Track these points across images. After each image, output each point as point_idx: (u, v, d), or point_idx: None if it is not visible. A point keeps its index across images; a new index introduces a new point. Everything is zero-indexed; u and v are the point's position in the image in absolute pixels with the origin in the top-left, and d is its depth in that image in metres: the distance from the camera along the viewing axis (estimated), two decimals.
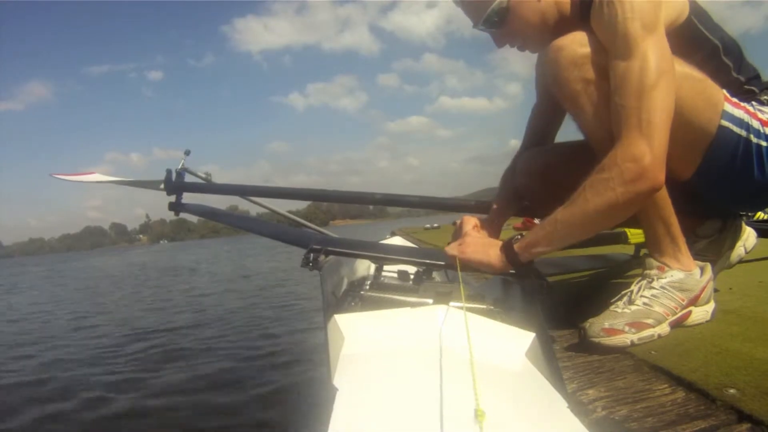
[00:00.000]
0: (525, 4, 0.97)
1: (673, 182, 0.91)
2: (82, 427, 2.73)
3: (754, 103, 0.96)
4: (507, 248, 0.90)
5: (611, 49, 0.84)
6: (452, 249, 0.97)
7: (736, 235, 1.13)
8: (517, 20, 0.98)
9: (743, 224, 1.16)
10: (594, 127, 0.91)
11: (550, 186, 1.14)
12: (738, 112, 0.92)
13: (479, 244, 0.96)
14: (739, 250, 1.14)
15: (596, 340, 0.87)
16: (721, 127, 0.91)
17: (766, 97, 0.98)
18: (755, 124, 0.92)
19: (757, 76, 1.00)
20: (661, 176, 0.80)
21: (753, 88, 0.98)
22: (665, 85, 0.81)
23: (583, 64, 0.87)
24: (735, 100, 0.93)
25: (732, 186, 0.98)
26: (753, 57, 1.02)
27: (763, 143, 0.92)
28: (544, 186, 1.15)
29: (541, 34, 0.99)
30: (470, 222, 1.11)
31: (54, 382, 3.60)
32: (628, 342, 0.87)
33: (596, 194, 0.80)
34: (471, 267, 0.95)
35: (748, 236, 1.16)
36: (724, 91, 0.93)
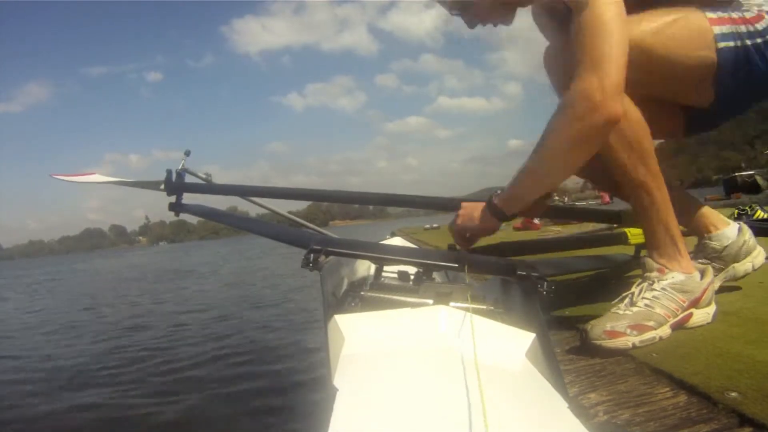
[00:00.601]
0: None
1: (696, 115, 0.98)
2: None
3: (731, 9, 0.96)
4: (490, 206, 0.96)
5: (572, 8, 0.85)
6: (450, 228, 1.04)
7: (747, 248, 1.14)
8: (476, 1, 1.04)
9: (755, 242, 1.16)
10: None
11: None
12: (726, 28, 0.93)
13: (466, 212, 1.02)
14: (746, 265, 1.15)
15: (598, 342, 0.87)
16: (719, 51, 0.92)
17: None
18: (743, 28, 0.93)
19: None
20: (615, 109, 0.81)
21: None
22: (616, 24, 0.82)
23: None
24: (717, 16, 0.94)
25: (750, 91, 0.99)
26: None
27: (758, 40, 0.93)
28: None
29: (501, 7, 1.05)
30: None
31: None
32: (630, 344, 0.87)
33: (556, 135, 0.84)
34: (466, 236, 1.03)
35: (758, 254, 1.16)
36: (705, 13, 0.94)
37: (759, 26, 0.94)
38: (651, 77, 0.92)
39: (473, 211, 1.00)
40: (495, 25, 1.09)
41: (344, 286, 1.19)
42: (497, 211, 0.95)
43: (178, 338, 4.84)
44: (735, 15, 0.95)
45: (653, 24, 0.90)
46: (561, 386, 0.58)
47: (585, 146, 0.84)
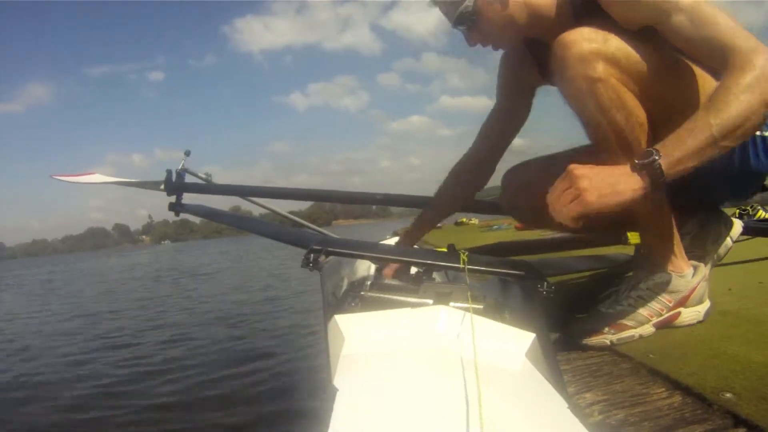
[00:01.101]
0: (490, 6, 0.97)
1: None
2: None
3: None
4: (650, 169, 0.73)
5: (660, 14, 0.82)
6: (567, 205, 0.75)
7: (719, 226, 1.13)
8: (485, 22, 0.99)
9: (726, 215, 1.15)
10: (598, 125, 0.89)
11: (533, 201, 1.10)
12: None
13: (597, 180, 0.74)
14: (726, 242, 1.14)
15: (578, 339, 0.91)
16: None
17: None
18: None
19: None
20: None
21: None
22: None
23: (590, 61, 0.85)
24: None
25: (731, 174, 0.98)
26: None
27: (757, 132, 0.93)
28: (528, 201, 1.15)
29: (509, 36, 1.02)
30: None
31: None
32: (608, 342, 0.90)
33: (752, 93, 0.74)
34: (591, 215, 0.75)
35: (733, 226, 1.15)
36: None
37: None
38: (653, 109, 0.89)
39: (615, 177, 0.75)
40: (494, 49, 1.07)
41: (344, 286, 1.19)
42: (659, 177, 0.73)
43: (178, 338, 4.85)
44: None
45: (673, 61, 0.89)
46: (561, 386, 0.59)
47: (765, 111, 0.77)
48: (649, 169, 0.73)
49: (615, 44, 0.86)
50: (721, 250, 1.13)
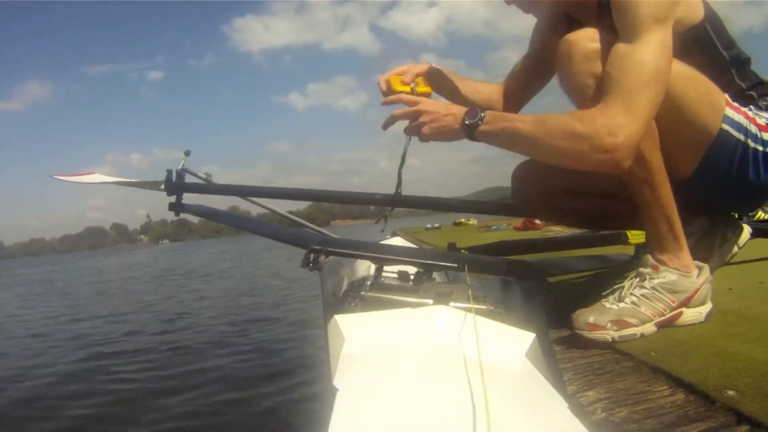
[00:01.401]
0: None
1: (670, 180, 0.94)
2: None
3: (752, 107, 0.99)
4: (471, 130, 0.93)
5: (620, 31, 0.86)
6: (414, 129, 1.00)
7: (727, 231, 1.14)
8: None
9: (735, 220, 1.16)
10: None
11: (542, 191, 1.20)
12: (738, 117, 0.94)
13: (437, 121, 0.97)
14: (732, 246, 1.14)
15: (579, 332, 0.90)
16: (721, 131, 0.93)
17: (765, 102, 1.00)
18: (753, 128, 0.95)
19: (760, 83, 1.03)
20: (625, 163, 0.82)
21: (752, 93, 1.00)
22: (660, 82, 0.83)
23: (593, 59, 0.89)
24: (736, 104, 0.96)
25: (728, 186, 1.00)
26: (754, 56, 1.04)
27: (759, 147, 0.95)
28: (537, 191, 1.21)
29: (545, 3, 1.08)
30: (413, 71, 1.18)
31: None
32: (609, 339, 0.90)
33: (564, 138, 0.82)
34: (421, 129, 0.98)
35: (741, 232, 1.16)
36: (726, 95, 0.95)
37: (765, 136, 0.96)
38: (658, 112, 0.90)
39: (441, 121, 0.96)
40: (525, 11, 1.13)
41: (344, 286, 1.19)
42: (472, 130, 0.93)
43: (175, 337, 4.85)
44: (750, 113, 0.97)
45: (681, 67, 0.89)
46: (561, 386, 0.59)
47: (577, 166, 0.85)
48: (470, 131, 0.93)
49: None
50: (727, 254, 1.14)
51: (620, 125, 0.80)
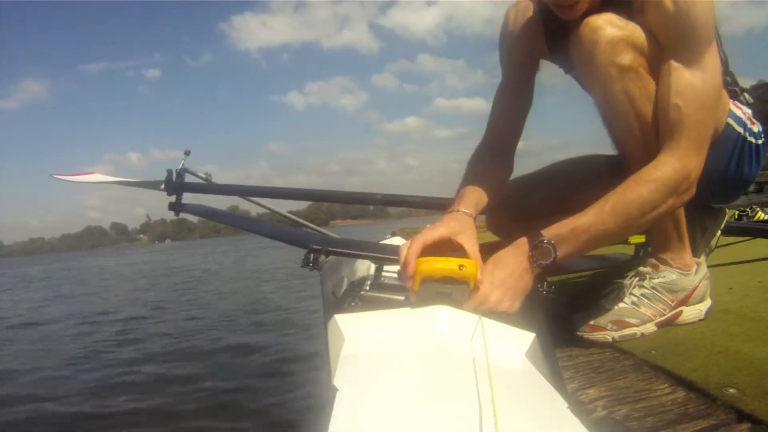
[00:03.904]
0: None
1: None
2: None
3: (737, 102, 0.99)
4: (546, 267, 0.77)
5: (674, 49, 0.80)
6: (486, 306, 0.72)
7: (705, 219, 1.13)
8: None
9: (709, 207, 1.15)
10: (622, 117, 0.86)
11: (518, 216, 1.10)
12: (738, 111, 0.95)
13: (515, 282, 0.76)
14: (715, 232, 1.14)
15: (580, 333, 0.91)
16: (727, 125, 0.94)
17: (744, 98, 1.01)
18: (746, 121, 0.96)
19: (735, 82, 1.02)
20: (693, 191, 0.81)
21: (735, 89, 1.00)
22: (717, 102, 0.83)
23: (621, 49, 0.82)
24: (733, 100, 0.97)
25: (723, 178, 0.99)
26: (755, 55, 1.04)
27: (752, 140, 0.96)
28: (513, 215, 1.12)
29: None
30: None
31: None
32: (609, 339, 0.90)
33: (652, 208, 0.77)
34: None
35: (718, 216, 1.15)
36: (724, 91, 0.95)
37: (754, 128, 0.97)
38: None
39: (508, 280, 0.75)
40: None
41: (344, 286, 1.19)
42: (549, 270, 0.77)
43: (178, 338, 4.84)
44: (745, 108, 0.98)
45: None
46: (561, 386, 0.59)
47: (666, 215, 0.83)
48: (545, 267, 0.76)
49: (641, 34, 0.82)
50: (711, 240, 1.13)
51: (695, 166, 0.79)
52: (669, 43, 0.81)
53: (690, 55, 0.78)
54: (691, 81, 0.78)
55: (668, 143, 0.79)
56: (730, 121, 0.94)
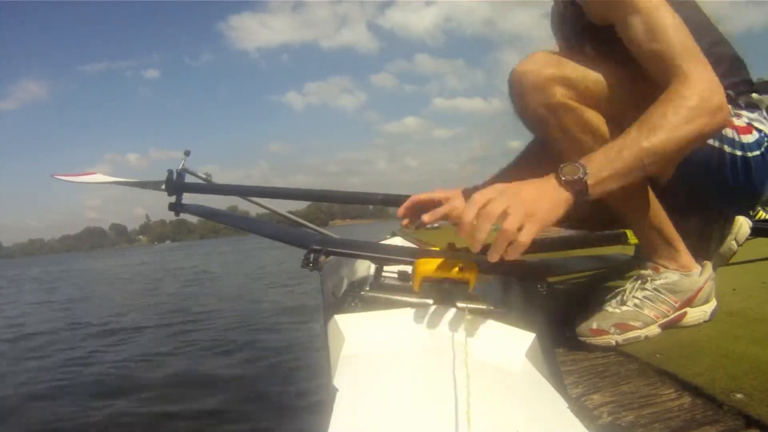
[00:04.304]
0: None
1: (653, 186, 0.92)
2: None
3: (730, 107, 0.91)
4: (577, 186, 0.68)
5: (617, 12, 0.82)
6: (518, 232, 0.62)
7: (724, 230, 1.12)
8: None
9: (732, 218, 1.14)
10: (569, 151, 0.86)
11: None
12: None
13: (539, 194, 0.67)
14: (730, 244, 1.13)
15: (583, 339, 0.90)
16: None
17: (747, 100, 0.96)
18: (729, 132, 0.91)
19: (742, 81, 0.98)
20: (728, 110, 0.78)
21: (729, 92, 0.94)
22: (683, 23, 0.80)
23: (546, 88, 0.85)
24: None
25: (710, 192, 0.97)
26: (756, 54, 1.00)
27: (738, 152, 0.90)
28: None
29: None
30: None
31: None
32: (613, 343, 0.89)
33: (685, 121, 0.72)
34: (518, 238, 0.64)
35: (740, 228, 1.14)
36: None
37: (744, 139, 0.91)
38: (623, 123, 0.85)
39: (541, 191, 0.67)
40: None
41: (344, 286, 1.18)
42: (584, 195, 0.69)
43: (179, 338, 4.84)
44: (737, 121, 0.92)
45: (641, 72, 0.85)
46: (561, 386, 0.58)
47: (704, 139, 0.78)
48: (574, 187, 0.68)
49: (571, 66, 0.86)
50: (726, 251, 1.12)
51: (713, 81, 0.76)
52: (606, 11, 0.84)
53: (625, 13, 0.81)
54: (647, 17, 0.79)
55: (673, 77, 0.77)
56: None
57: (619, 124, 0.82)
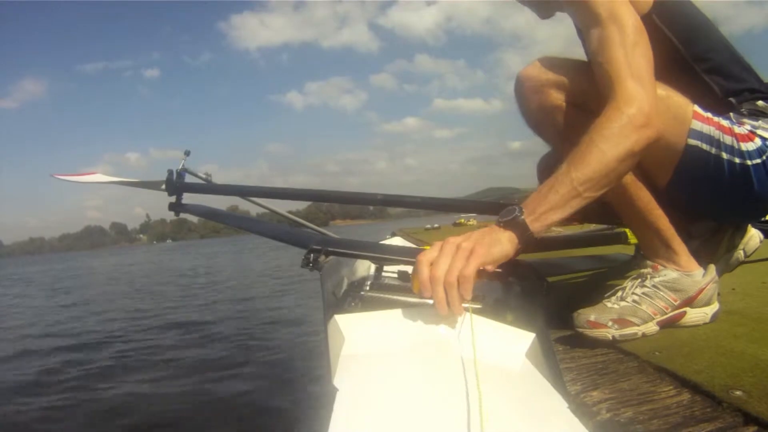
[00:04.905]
0: None
1: (651, 189, 0.93)
2: None
3: (732, 115, 0.93)
4: (516, 225, 0.72)
5: (583, 22, 0.87)
6: (464, 266, 0.65)
7: (735, 237, 1.12)
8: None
9: (745, 227, 1.14)
10: (563, 151, 0.85)
11: None
12: (708, 129, 0.90)
13: (483, 237, 0.71)
14: (737, 254, 1.13)
15: (580, 330, 0.90)
16: (688, 146, 0.90)
17: (750, 107, 0.94)
18: (727, 139, 0.90)
19: (747, 90, 0.96)
20: (658, 126, 0.79)
21: (731, 99, 0.95)
22: (644, 41, 0.82)
23: (542, 92, 0.92)
24: (707, 115, 0.91)
25: (708, 199, 0.97)
26: (756, 56, 1.00)
27: (736, 160, 0.89)
28: None
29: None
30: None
31: None
32: (610, 337, 0.89)
33: (613, 145, 0.74)
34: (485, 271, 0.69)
35: (750, 239, 1.14)
36: (695, 106, 0.90)
37: (744, 146, 0.90)
38: None
39: (485, 235, 0.71)
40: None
41: (344, 286, 1.18)
42: (526, 233, 0.72)
43: (178, 338, 4.84)
44: (725, 123, 0.91)
45: None
46: (561, 386, 0.58)
47: (636, 158, 0.78)
48: (514, 226, 0.72)
49: (566, 71, 0.92)
50: (732, 261, 1.12)
51: (640, 96, 0.77)
52: (580, 17, 0.89)
53: (595, 13, 0.84)
54: (603, 33, 0.82)
55: (610, 95, 0.79)
56: (693, 141, 0.89)
57: None
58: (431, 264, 0.65)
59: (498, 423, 0.43)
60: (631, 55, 0.80)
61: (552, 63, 0.93)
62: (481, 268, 0.67)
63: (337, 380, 0.48)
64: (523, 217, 0.72)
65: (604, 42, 0.82)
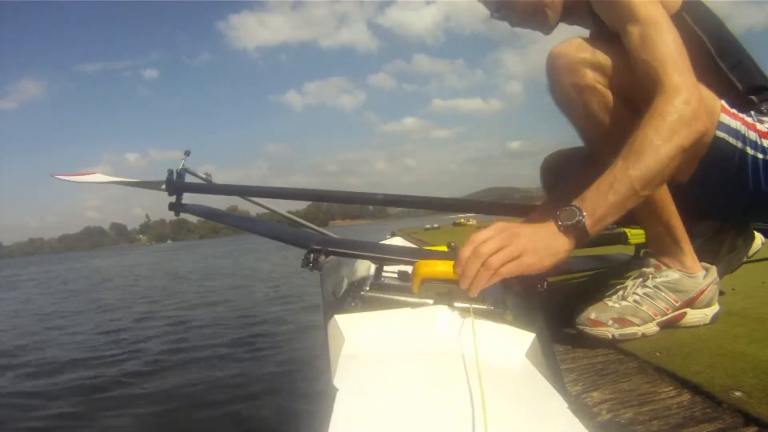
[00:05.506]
0: None
1: (669, 184, 0.92)
2: None
3: (753, 113, 0.95)
4: (576, 230, 0.71)
5: (620, 20, 0.86)
6: (504, 265, 0.66)
7: (737, 239, 1.12)
8: (518, 10, 1.05)
9: (747, 228, 1.14)
10: (591, 132, 0.93)
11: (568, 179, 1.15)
12: (735, 124, 0.91)
13: (539, 240, 0.70)
14: (739, 255, 1.13)
15: (580, 327, 0.90)
16: (716, 138, 0.90)
17: (767, 106, 0.96)
18: (752, 135, 0.91)
19: (754, 89, 0.98)
20: (705, 119, 0.80)
21: (752, 97, 0.96)
22: (680, 38, 0.82)
23: (577, 71, 0.90)
24: (733, 110, 0.92)
25: (727, 195, 0.97)
26: (756, 56, 1.01)
27: (759, 155, 0.91)
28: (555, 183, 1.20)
29: (542, 20, 1.05)
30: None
31: None
32: (609, 336, 0.89)
33: (666, 139, 0.74)
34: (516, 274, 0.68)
35: (752, 240, 1.14)
36: (722, 101, 0.92)
37: (767, 143, 0.91)
38: None
39: (541, 237, 0.70)
40: (534, 29, 1.11)
41: (344, 286, 1.18)
42: (584, 237, 0.71)
43: (179, 338, 4.84)
44: (750, 120, 0.93)
45: None
46: (561, 386, 0.58)
47: (688, 153, 0.78)
48: (574, 231, 0.71)
49: (602, 54, 0.90)
50: (733, 262, 1.12)
51: (689, 91, 0.77)
52: (613, 18, 0.88)
53: (630, 12, 0.84)
54: (643, 30, 0.82)
55: (657, 90, 0.79)
56: (721, 134, 0.90)
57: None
58: (482, 242, 0.66)
59: (498, 423, 0.43)
60: (675, 52, 0.80)
61: (588, 43, 0.91)
62: (518, 275, 0.67)
63: (337, 380, 0.48)
64: (584, 221, 0.71)
65: (647, 39, 0.82)
